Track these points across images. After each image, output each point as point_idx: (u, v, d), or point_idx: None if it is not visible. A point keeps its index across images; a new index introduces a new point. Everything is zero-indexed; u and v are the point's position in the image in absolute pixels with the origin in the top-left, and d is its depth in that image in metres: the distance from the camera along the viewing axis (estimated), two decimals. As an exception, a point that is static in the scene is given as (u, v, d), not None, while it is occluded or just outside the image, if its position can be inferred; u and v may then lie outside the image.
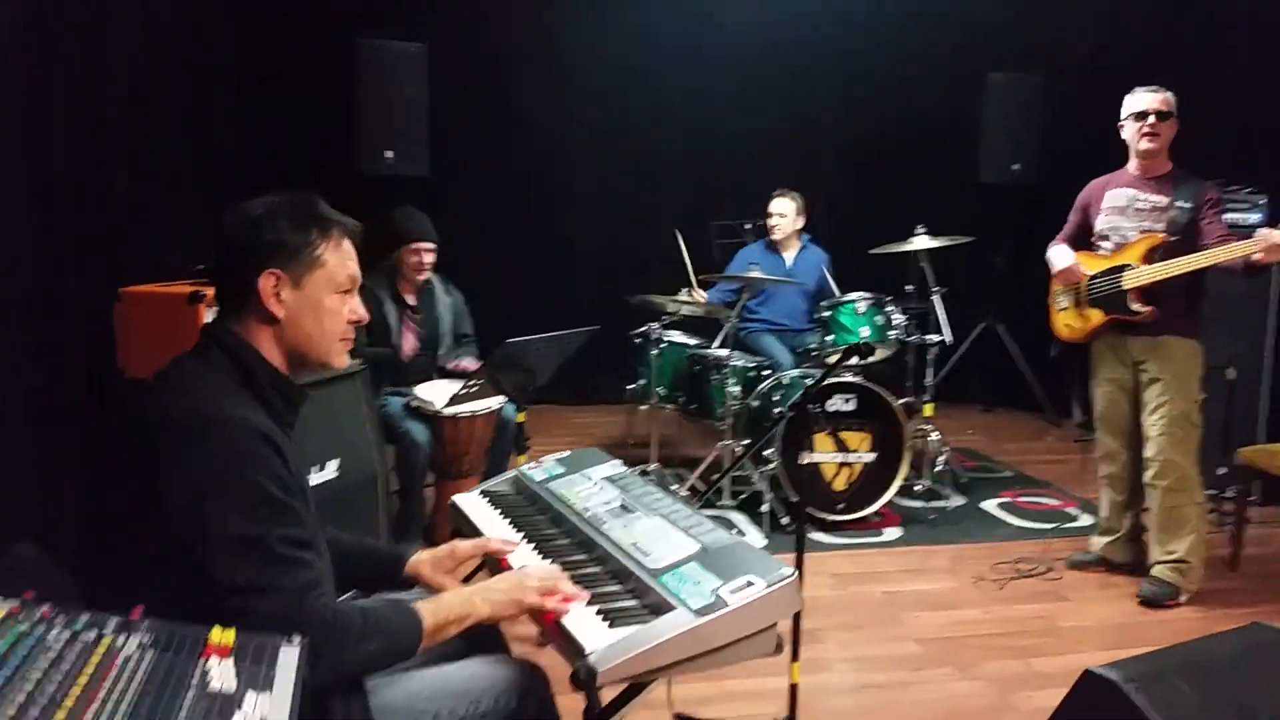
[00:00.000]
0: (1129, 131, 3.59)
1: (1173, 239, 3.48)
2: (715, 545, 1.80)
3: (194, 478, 1.45)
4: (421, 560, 1.93)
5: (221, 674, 1.09)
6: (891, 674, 3.10)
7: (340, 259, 1.68)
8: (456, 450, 3.97)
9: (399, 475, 3.92)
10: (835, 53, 6.52)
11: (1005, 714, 2.85)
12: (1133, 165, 3.65)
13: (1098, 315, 3.67)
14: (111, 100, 3.36)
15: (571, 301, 6.05)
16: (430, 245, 4.10)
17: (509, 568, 1.89)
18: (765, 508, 4.26)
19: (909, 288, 4.97)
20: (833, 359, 4.43)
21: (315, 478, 3.16)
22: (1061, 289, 3.83)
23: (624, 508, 2.05)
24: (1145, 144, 3.54)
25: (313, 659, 1.44)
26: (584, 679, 1.52)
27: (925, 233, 4.74)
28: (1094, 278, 3.67)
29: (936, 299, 4.73)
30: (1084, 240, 3.80)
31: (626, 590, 1.77)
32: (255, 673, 1.13)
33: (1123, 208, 3.63)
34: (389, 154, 5.38)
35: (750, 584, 1.63)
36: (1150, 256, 3.51)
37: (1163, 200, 3.55)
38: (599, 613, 1.67)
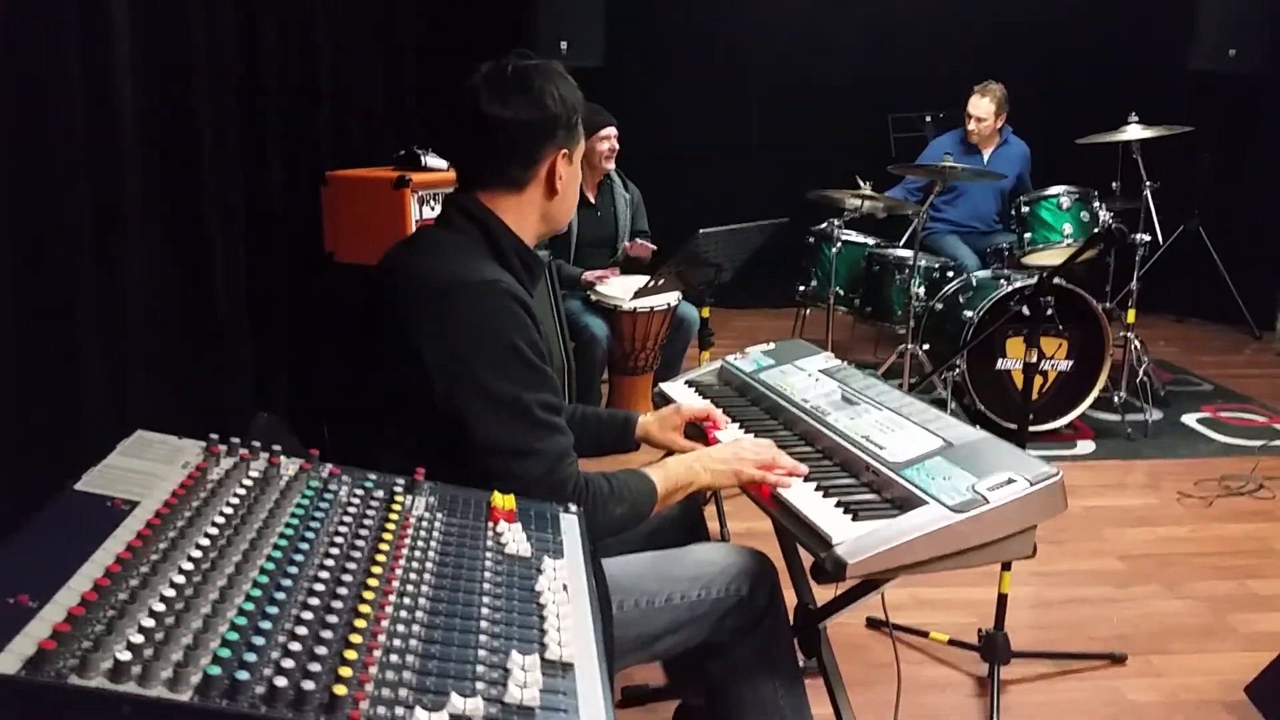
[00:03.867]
0: None
1: None
2: (960, 440, 1.69)
3: (452, 339, 1.45)
4: (649, 422, 1.96)
5: (514, 538, 1.07)
6: (1095, 589, 2.95)
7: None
8: (633, 345, 3.96)
9: (577, 369, 3.94)
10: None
11: (1223, 636, 2.67)
12: None
13: None
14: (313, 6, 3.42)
15: (744, 196, 5.85)
16: (616, 131, 4.01)
17: (715, 442, 1.84)
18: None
19: (1115, 184, 4.59)
20: (1032, 258, 4.19)
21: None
22: None
23: (846, 399, 1.96)
24: None
25: None
26: (831, 570, 1.47)
27: (1138, 121, 4.34)
28: None
29: (1148, 194, 4.35)
30: None
31: (862, 484, 1.69)
32: (545, 539, 1.11)
33: None
34: (564, 45, 5.30)
35: (1011, 481, 1.52)
36: None
37: None
38: (838, 504, 1.60)
